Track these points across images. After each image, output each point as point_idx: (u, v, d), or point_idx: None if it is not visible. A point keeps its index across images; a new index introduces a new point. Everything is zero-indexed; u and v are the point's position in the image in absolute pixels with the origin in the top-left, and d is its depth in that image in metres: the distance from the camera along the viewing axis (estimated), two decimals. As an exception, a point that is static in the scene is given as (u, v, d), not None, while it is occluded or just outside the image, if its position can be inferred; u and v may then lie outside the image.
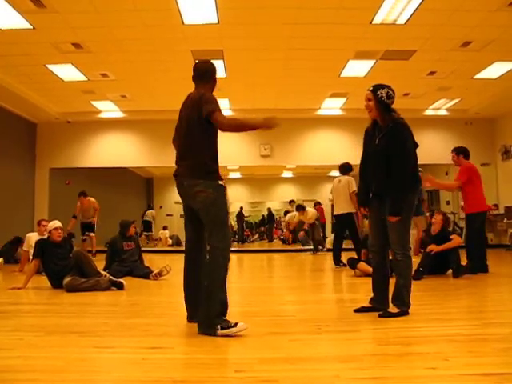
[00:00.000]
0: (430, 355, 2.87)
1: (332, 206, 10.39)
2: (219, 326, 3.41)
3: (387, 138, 4.03)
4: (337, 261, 8.90)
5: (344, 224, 8.97)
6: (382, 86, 4.08)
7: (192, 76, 3.98)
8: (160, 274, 7.20)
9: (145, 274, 7.27)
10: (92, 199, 12.02)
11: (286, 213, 20.17)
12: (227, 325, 3.43)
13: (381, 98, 4.03)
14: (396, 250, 4.09)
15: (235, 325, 3.43)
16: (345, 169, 9.01)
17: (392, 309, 4.09)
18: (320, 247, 13.57)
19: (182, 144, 3.78)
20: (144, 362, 2.81)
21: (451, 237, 6.98)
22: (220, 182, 3.62)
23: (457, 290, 5.87)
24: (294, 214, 16.40)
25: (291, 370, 2.63)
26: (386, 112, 4.06)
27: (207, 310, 3.46)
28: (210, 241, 3.56)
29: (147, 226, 20.39)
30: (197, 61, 4.20)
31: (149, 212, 21.22)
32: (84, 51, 9.49)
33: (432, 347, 3.06)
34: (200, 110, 3.60)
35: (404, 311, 4.06)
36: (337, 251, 9.00)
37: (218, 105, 3.63)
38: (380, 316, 4.01)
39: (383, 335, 3.47)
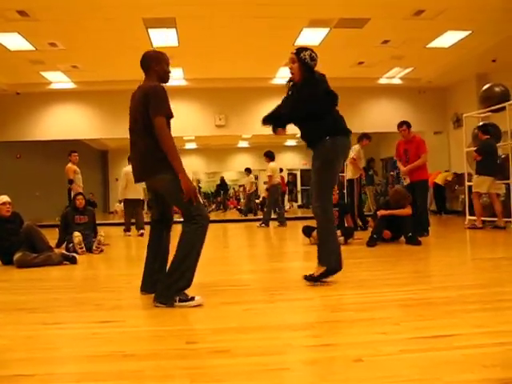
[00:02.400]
0: (382, 320, 2.91)
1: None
2: (177, 298, 3.39)
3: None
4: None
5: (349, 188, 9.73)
6: (305, 49, 4.16)
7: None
8: (99, 243, 7.05)
9: (89, 248, 7.05)
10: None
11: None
12: (186, 297, 3.41)
13: (304, 60, 4.09)
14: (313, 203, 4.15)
15: (192, 298, 3.42)
16: None
17: (317, 269, 4.07)
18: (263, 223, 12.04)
19: (131, 142, 3.68)
20: (94, 337, 2.76)
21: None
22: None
23: (408, 255, 5.98)
24: (251, 177, 16.73)
25: (243, 340, 2.62)
26: (308, 74, 4.12)
27: (169, 281, 3.42)
28: (187, 214, 3.49)
29: None
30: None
31: None
32: (30, 19, 9.10)
33: (383, 312, 3.11)
34: (147, 104, 3.45)
35: (325, 272, 4.01)
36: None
37: (163, 105, 3.47)
38: (304, 278, 4.08)
39: (335, 302, 3.51)
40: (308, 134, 4.22)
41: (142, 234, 10.06)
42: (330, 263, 4.02)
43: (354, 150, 9.42)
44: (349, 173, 9.77)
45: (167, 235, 3.94)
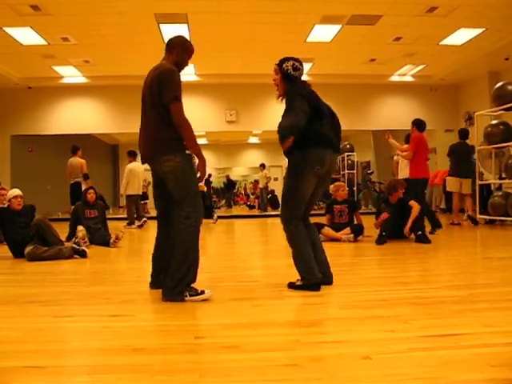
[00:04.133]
0: (390, 318, 2.91)
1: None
2: (187, 293, 3.42)
3: None
4: None
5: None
6: (287, 59, 3.92)
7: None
8: (117, 238, 7.10)
9: (104, 241, 7.11)
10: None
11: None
12: (195, 292, 3.45)
13: (286, 71, 3.87)
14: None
15: (202, 292, 3.46)
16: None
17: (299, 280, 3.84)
18: None
19: (144, 120, 3.67)
20: (104, 331, 2.78)
21: (410, 203, 7.04)
22: (187, 152, 3.58)
23: (417, 253, 5.97)
24: (265, 172, 16.80)
25: (252, 336, 2.63)
26: (290, 86, 3.88)
27: (177, 277, 3.45)
28: (182, 209, 3.51)
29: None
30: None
31: None
32: (43, 14, 9.16)
33: (392, 310, 3.11)
34: (160, 86, 3.48)
35: (302, 285, 3.77)
36: None
37: (178, 90, 3.49)
38: (288, 286, 3.87)
39: (344, 299, 3.51)
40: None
41: (141, 225, 10.72)
42: (306, 278, 3.75)
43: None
44: (403, 172, 9.28)
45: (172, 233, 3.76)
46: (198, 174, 3.61)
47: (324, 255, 3.95)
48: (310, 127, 3.72)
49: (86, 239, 6.86)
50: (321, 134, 3.78)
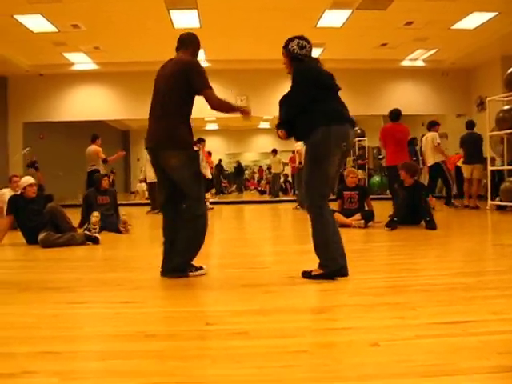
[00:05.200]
0: (399, 305, 2.93)
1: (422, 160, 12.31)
2: (190, 270, 3.86)
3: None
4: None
5: (435, 173, 10.22)
6: (291, 39, 3.86)
7: (176, 47, 4.03)
8: (125, 223, 7.16)
9: (115, 228, 7.19)
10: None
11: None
12: (196, 268, 3.88)
13: (293, 51, 3.81)
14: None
15: (201, 268, 3.91)
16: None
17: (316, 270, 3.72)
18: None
19: (158, 111, 3.80)
20: (117, 317, 2.83)
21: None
22: (195, 148, 3.88)
23: (428, 240, 5.96)
24: (278, 158, 16.75)
25: (262, 322, 2.67)
26: (297, 64, 3.80)
27: (184, 258, 3.83)
28: (188, 200, 3.80)
29: None
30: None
31: None
32: (53, 1, 9.17)
33: (401, 297, 3.14)
34: (187, 77, 3.68)
35: (320, 274, 3.66)
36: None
37: (207, 79, 3.74)
38: (302, 274, 3.75)
39: (355, 286, 3.52)
40: (299, 127, 3.77)
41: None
42: (327, 266, 3.65)
43: (435, 136, 10.07)
44: (430, 158, 10.25)
45: (180, 218, 3.91)
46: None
47: (342, 245, 3.71)
48: (325, 105, 3.64)
49: (97, 226, 6.92)
50: (338, 110, 3.71)
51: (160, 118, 3.76)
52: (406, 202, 6.94)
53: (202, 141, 11.82)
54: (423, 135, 10.99)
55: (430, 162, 10.26)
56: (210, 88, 3.70)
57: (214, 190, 12.74)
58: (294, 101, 3.72)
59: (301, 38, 3.86)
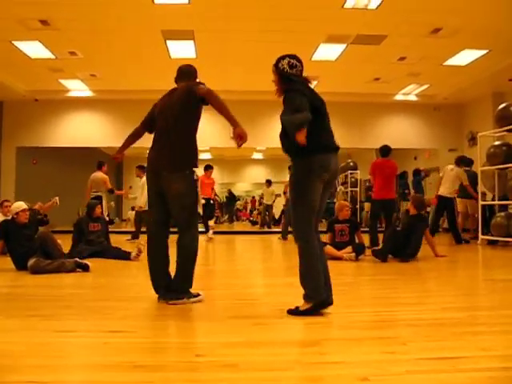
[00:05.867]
0: (389, 340, 2.92)
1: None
2: (188, 296, 3.97)
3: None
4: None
5: (443, 206, 10.07)
6: (282, 57, 3.76)
7: (175, 77, 4.31)
8: (140, 251, 7.14)
9: (121, 255, 7.22)
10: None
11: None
12: (194, 295, 3.99)
13: (282, 70, 3.71)
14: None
15: (198, 295, 4.02)
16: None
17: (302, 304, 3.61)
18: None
19: (167, 135, 4.00)
20: (105, 346, 2.81)
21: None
22: (195, 172, 4.06)
23: (419, 274, 5.99)
24: (271, 189, 16.70)
25: (252, 355, 2.65)
26: (287, 85, 3.67)
27: (181, 283, 3.99)
28: (186, 225, 4.01)
29: None
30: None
31: None
32: (51, 28, 9.29)
33: (391, 332, 3.14)
34: (192, 96, 3.96)
35: (305, 310, 3.55)
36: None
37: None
38: (288, 312, 3.61)
39: (344, 320, 3.51)
40: (287, 149, 3.67)
41: None
42: (313, 298, 3.53)
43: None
44: (446, 190, 10.05)
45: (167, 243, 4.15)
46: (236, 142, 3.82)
47: (328, 274, 3.67)
48: (310, 130, 3.40)
49: (142, 248, 6.95)
50: (323, 138, 3.58)
51: (168, 143, 3.95)
52: (401, 234, 7.02)
53: (210, 168, 11.93)
54: (439, 168, 11.57)
55: (445, 193, 10.01)
56: (211, 90, 3.94)
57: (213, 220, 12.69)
58: (297, 105, 3.46)
59: (292, 56, 3.78)
